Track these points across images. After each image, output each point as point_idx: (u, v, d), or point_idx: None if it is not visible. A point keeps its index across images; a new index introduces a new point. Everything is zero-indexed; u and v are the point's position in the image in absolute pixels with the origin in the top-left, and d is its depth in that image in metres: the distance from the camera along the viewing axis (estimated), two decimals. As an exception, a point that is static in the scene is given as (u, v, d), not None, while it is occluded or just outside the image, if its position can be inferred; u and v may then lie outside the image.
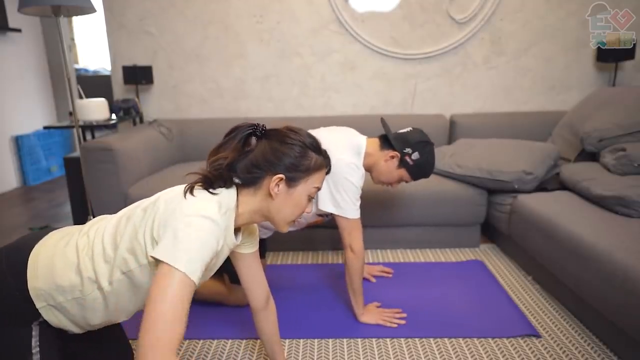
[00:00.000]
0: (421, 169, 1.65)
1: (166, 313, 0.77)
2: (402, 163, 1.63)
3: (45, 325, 0.95)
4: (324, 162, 1.05)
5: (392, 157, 1.63)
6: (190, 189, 0.93)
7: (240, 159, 0.98)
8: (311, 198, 1.06)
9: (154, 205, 0.92)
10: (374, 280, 2.01)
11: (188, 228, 0.84)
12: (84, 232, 0.99)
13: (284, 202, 1.01)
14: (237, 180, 0.99)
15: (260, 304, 1.23)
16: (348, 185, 1.55)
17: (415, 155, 1.61)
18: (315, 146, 1.04)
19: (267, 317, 1.26)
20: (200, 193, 0.93)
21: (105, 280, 0.92)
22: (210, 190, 0.95)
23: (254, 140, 1.01)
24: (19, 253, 0.95)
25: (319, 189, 1.07)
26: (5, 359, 0.92)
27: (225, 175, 0.97)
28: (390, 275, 2.06)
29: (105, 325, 1.02)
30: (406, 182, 1.71)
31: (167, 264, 0.80)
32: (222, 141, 1.01)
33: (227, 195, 0.97)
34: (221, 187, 0.97)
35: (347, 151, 1.60)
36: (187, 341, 1.60)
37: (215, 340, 1.60)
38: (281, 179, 0.98)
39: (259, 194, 1.00)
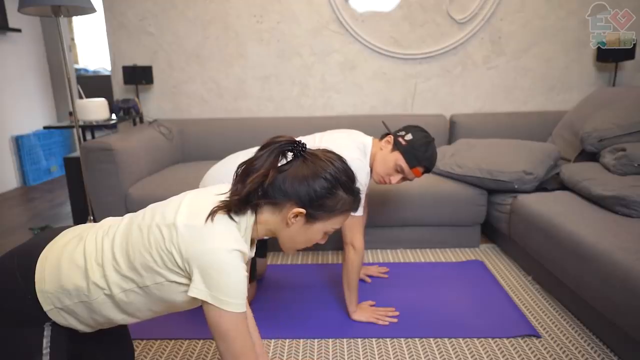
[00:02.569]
0: (415, 151, 1.59)
1: (239, 349, 0.89)
2: (396, 145, 1.62)
3: (57, 325, 0.95)
4: (352, 205, 0.99)
5: (387, 142, 1.64)
6: (212, 215, 0.89)
7: (276, 179, 0.93)
8: (326, 234, 1.01)
9: (174, 227, 0.89)
10: (369, 280, 2.01)
11: (220, 268, 0.85)
12: (92, 233, 0.97)
13: (297, 233, 0.98)
14: (263, 202, 0.94)
15: None
16: None
17: (408, 137, 1.61)
18: (348, 185, 0.97)
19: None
20: (221, 220, 0.89)
21: (117, 288, 0.92)
22: (232, 215, 0.91)
23: (289, 156, 0.96)
24: (30, 254, 0.95)
25: (337, 229, 1.02)
26: (15, 358, 0.92)
27: (256, 200, 0.92)
28: (387, 276, 2.05)
29: (115, 325, 1.02)
30: (404, 172, 1.63)
31: (215, 306, 0.86)
32: (257, 154, 0.93)
33: (246, 214, 0.94)
34: (246, 213, 0.93)
35: (353, 149, 1.60)
36: (187, 341, 1.60)
37: (215, 340, 1.60)
38: (301, 213, 0.94)
39: (278, 216, 0.96)
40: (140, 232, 0.92)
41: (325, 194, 0.93)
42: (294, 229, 0.97)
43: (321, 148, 1.00)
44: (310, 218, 0.95)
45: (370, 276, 2.04)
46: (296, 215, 0.94)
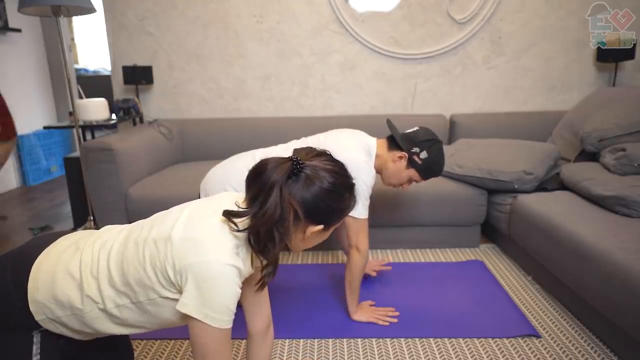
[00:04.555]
0: (430, 168, 1.62)
1: None
2: (411, 163, 1.61)
3: (48, 332, 0.93)
4: (354, 197, 0.98)
5: (400, 157, 1.62)
6: (230, 222, 0.86)
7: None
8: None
9: (169, 240, 0.86)
10: (374, 274, 1.97)
11: (212, 280, 0.82)
12: (89, 244, 0.94)
13: (311, 240, 0.97)
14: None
15: (261, 328, 1.12)
16: (359, 185, 1.52)
17: (424, 155, 1.59)
18: (349, 184, 0.96)
19: (263, 346, 1.14)
20: (221, 232, 0.87)
21: (111, 303, 0.90)
22: (237, 235, 0.87)
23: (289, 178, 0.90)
24: (24, 261, 0.93)
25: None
26: None
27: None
28: (390, 268, 2.03)
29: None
30: (416, 182, 1.68)
31: (200, 321, 0.83)
32: (264, 200, 0.85)
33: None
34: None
35: (359, 151, 1.59)
36: (187, 341, 1.60)
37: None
38: (320, 229, 0.92)
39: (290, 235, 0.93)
40: (136, 247, 0.89)
41: (336, 205, 0.93)
42: (309, 238, 0.96)
43: (307, 147, 0.97)
44: (326, 227, 0.95)
45: (370, 274, 1.99)
46: (313, 232, 0.93)
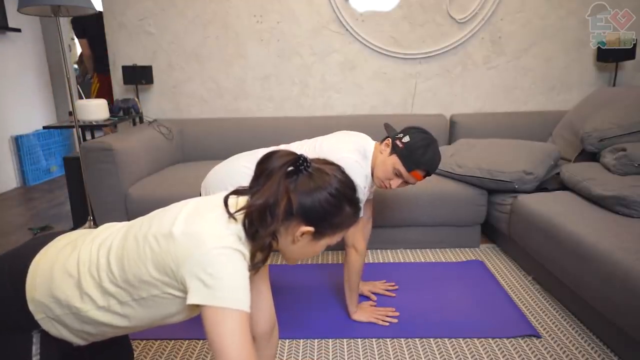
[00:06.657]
0: (413, 155, 1.50)
1: (237, 357, 0.78)
2: (393, 148, 1.54)
3: (46, 332, 0.92)
4: (355, 217, 0.97)
5: (387, 145, 1.57)
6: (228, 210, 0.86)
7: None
8: (329, 245, 1.00)
9: (171, 236, 0.85)
10: (374, 298, 1.86)
11: (214, 265, 0.81)
12: (87, 242, 0.94)
13: (303, 248, 0.96)
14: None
15: (265, 330, 1.09)
16: None
17: (406, 139, 1.52)
18: (352, 198, 0.95)
19: (268, 348, 1.12)
20: (220, 220, 0.87)
21: (112, 299, 0.89)
22: (236, 231, 0.87)
23: (293, 172, 0.91)
24: (21, 261, 0.92)
25: (338, 241, 1.01)
26: None
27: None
28: (394, 295, 1.90)
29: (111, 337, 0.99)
30: (402, 176, 1.55)
31: (213, 306, 0.79)
32: (265, 187, 0.86)
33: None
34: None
35: (353, 151, 1.56)
36: (187, 341, 1.60)
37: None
38: (309, 232, 0.91)
39: (281, 230, 0.92)
40: (136, 243, 0.88)
41: (333, 211, 0.92)
42: (300, 245, 0.94)
43: (322, 158, 0.97)
44: (317, 235, 0.93)
45: (375, 293, 1.90)
46: (303, 234, 0.92)
